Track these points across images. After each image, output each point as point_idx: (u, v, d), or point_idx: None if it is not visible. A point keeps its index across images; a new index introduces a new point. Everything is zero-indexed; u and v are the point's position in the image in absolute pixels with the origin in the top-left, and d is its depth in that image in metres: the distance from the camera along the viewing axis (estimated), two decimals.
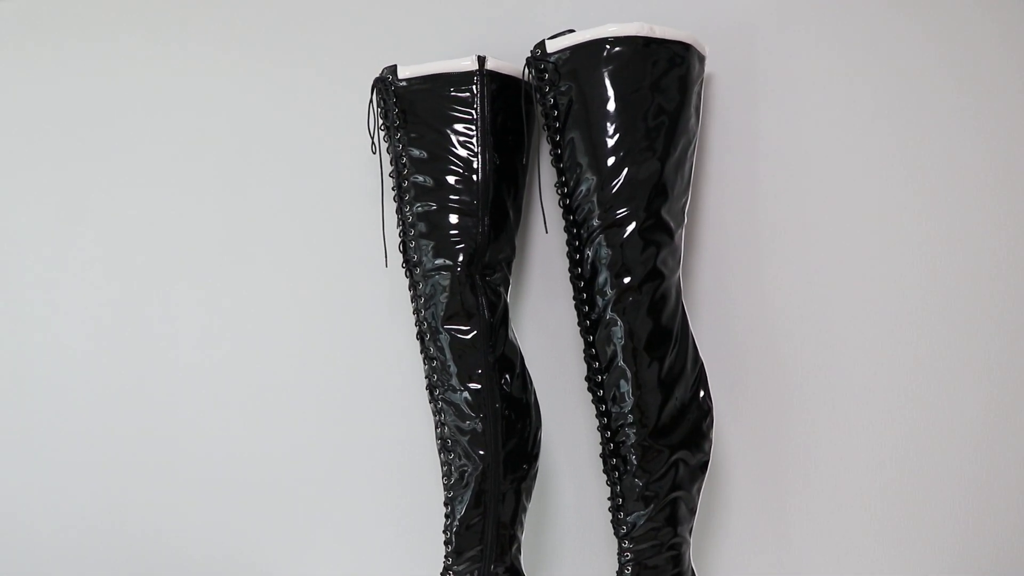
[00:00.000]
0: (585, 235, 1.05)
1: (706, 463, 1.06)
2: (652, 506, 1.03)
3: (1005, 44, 1.13)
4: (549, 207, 1.18)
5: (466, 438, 1.08)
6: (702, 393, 1.06)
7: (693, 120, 1.08)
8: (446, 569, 1.09)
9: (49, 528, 1.48)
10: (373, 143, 1.15)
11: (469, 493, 1.08)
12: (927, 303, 1.17)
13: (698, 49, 1.08)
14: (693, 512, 1.06)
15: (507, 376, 1.10)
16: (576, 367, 1.19)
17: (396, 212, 1.13)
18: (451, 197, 1.09)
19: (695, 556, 1.20)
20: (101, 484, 1.46)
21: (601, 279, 1.04)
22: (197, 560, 1.42)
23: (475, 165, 1.09)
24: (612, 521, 1.06)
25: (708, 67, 1.16)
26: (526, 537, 1.18)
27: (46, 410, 1.48)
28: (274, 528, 1.40)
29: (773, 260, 1.20)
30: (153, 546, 1.45)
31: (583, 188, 1.04)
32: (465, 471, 1.09)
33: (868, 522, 1.21)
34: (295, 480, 1.38)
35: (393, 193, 1.13)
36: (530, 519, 1.23)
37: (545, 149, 1.11)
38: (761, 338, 1.20)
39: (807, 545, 1.23)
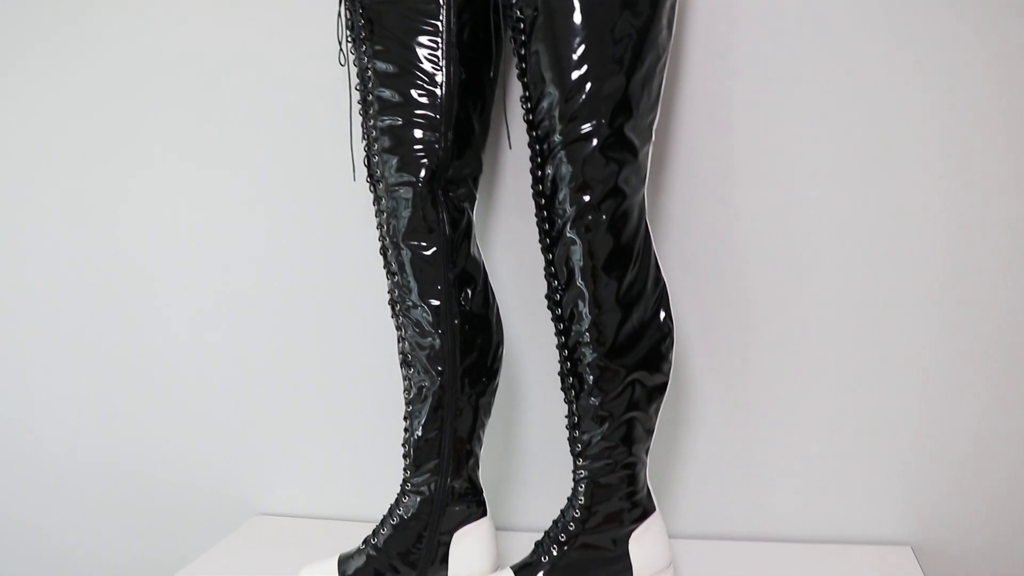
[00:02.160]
0: (547, 151, 1.03)
1: (665, 384, 1.05)
2: (607, 425, 1.03)
3: (991, 36, 1.10)
4: (516, 122, 1.16)
5: (424, 353, 1.08)
6: (663, 314, 1.05)
7: (664, 34, 1.04)
8: (405, 481, 1.11)
9: (37, 442, 1.52)
10: (341, 54, 1.13)
11: (427, 408, 1.09)
12: (900, 228, 1.15)
13: None
14: (650, 433, 1.06)
15: (468, 291, 1.09)
16: (543, 284, 1.19)
17: (361, 126, 1.12)
18: (416, 112, 1.07)
19: (657, 476, 1.21)
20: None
21: (561, 196, 1.02)
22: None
23: (439, 79, 1.07)
24: (568, 439, 1.06)
25: None
26: (489, 452, 1.20)
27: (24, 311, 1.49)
28: (238, 439, 1.42)
29: (745, 179, 1.17)
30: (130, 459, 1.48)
31: (545, 103, 1.02)
32: (424, 386, 1.09)
33: (834, 442, 1.21)
34: (260, 392, 1.40)
35: (359, 107, 1.12)
36: (494, 434, 1.24)
37: (512, 63, 1.09)
38: (730, 258, 1.19)
39: (772, 465, 1.23)
